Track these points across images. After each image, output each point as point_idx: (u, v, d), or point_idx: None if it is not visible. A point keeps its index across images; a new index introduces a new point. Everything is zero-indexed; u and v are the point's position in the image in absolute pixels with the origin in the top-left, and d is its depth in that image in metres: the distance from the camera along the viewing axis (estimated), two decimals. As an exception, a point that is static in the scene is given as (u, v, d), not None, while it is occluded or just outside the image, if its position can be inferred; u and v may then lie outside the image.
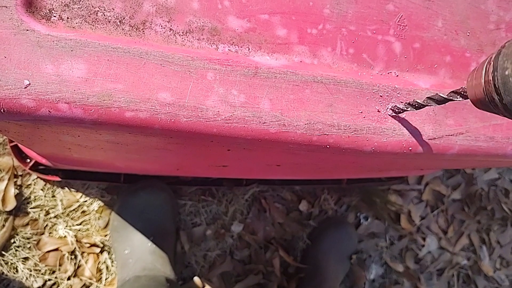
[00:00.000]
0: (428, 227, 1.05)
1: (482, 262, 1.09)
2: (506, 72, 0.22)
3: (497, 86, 0.23)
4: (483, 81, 0.24)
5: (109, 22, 0.28)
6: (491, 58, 0.24)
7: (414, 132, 0.36)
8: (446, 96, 0.29)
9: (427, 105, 0.31)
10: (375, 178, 0.95)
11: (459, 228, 1.09)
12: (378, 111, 0.35)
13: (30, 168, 0.73)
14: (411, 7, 0.37)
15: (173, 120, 0.28)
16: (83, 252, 0.77)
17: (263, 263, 0.87)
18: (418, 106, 0.32)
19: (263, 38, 0.32)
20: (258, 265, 0.86)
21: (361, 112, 0.34)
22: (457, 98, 0.28)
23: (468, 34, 0.40)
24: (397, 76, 0.37)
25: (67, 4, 0.27)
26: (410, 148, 0.36)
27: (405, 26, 0.37)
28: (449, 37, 0.39)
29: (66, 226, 0.77)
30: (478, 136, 0.39)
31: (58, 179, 0.74)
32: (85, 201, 0.78)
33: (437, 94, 0.30)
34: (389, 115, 0.35)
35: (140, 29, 0.28)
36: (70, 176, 0.74)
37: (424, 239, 1.04)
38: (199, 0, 0.30)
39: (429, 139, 0.36)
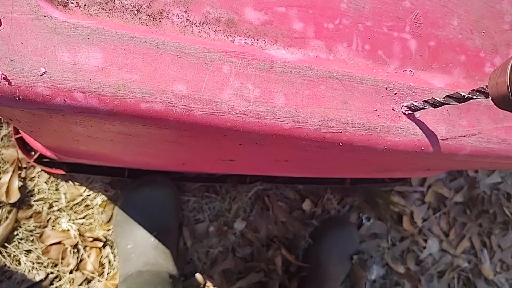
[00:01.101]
0: (430, 229, 1.05)
1: (483, 266, 1.09)
2: None
3: None
4: (508, 77, 0.24)
5: (126, 10, 0.27)
6: None
7: (428, 132, 0.36)
8: (467, 94, 0.29)
9: (446, 104, 0.31)
10: (378, 179, 0.95)
11: (460, 231, 1.08)
12: (393, 109, 0.35)
13: (35, 161, 0.72)
14: (427, 5, 0.37)
15: (187, 113, 0.27)
16: (85, 246, 0.76)
17: (265, 261, 0.86)
18: (436, 105, 0.32)
19: (280, 31, 0.32)
20: (260, 263, 0.86)
21: (376, 110, 0.34)
22: (478, 96, 0.28)
23: (483, 33, 0.40)
24: (412, 74, 0.37)
25: (83, -8, 0.27)
26: (422, 148, 0.35)
27: (421, 24, 0.37)
28: (464, 36, 0.39)
29: (69, 220, 0.76)
30: (490, 137, 0.39)
31: (62, 172, 0.74)
32: (89, 195, 0.77)
33: (456, 92, 0.29)
34: (404, 113, 0.35)
35: (157, 19, 0.28)
36: (74, 170, 0.74)
37: (425, 241, 1.04)
38: (216, -9, 0.30)
39: (442, 139, 0.36)
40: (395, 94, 0.35)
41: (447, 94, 0.31)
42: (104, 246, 0.77)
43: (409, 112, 0.35)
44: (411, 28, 0.36)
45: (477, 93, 0.28)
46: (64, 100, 0.25)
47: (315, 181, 0.90)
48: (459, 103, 0.30)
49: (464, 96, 0.29)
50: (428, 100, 0.32)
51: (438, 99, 0.31)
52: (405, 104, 0.35)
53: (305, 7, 0.32)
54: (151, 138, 0.34)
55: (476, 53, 0.40)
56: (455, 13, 0.38)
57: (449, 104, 0.30)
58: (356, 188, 0.96)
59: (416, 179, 1.04)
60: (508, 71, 0.24)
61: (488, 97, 0.27)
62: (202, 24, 0.29)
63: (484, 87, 0.27)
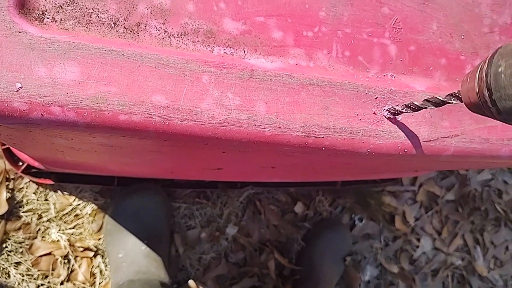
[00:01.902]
0: (422, 228, 1.06)
1: (476, 263, 1.10)
2: (499, 69, 0.22)
3: (489, 82, 0.23)
4: (477, 80, 0.24)
5: (103, 24, 0.27)
6: (487, 58, 0.24)
7: (410, 134, 0.36)
8: (443, 99, 0.29)
9: (424, 107, 0.31)
10: (369, 180, 0.95)
11: (453, 229, 1.09)
12: (374, 113, 0.35)
13: (23, 171, 0.72)
14: (406, 10, 0.37)
15: (167, 123, 0.27)
16: (76, 256, 0.76)
17: (258, 265, 0.86)
18: (415, 108, 0.32)
19: (259, 40, 0.32)
20: (253, 268, 0.86)
21: (357, 115, 0.34)
22: (453, 100, 0.28)
23: (462, 37, 0.40)
24: (393, 78, 0.37)
25: (60, 6, 0.27)
26: (405, 150, 0.36)
27: (400, 29, 0.37)
28: (444, 40, 0.39)
29: (59, 230, 0.76)
30: (473, 138, 0.39)
31: (51, 182, 0.73)
32: (78, 204, 0.77)
33: (434, 96, 0.30)
34: (386, 117, 0.35)
35: (134, 31, 0.28)
36: (63, 179, 0.74)
37: (418, 240, 1.04)
38: (194, 2, 0.30)
39: (424, 141, 0.36)
40: (376, 98, 0.35)
41: (428, 97, 0.32)
42: (95, 255, 0.77)
43: (391, 115, 0.35)
44: (391, 34, 0.37)
45: (452, 97, 0.28)
46: (41, 114, 0.25)
47: (306, 184, 0.90)
48: (436, 107, 0.30)
49: (440, 100, 0.29)
50: (408, 104, 0.32)
51: (416, 103, 0.32)
52: (386, 108, 0.35)
53: (283, 16, 0.32)
54: (134, 149, 0.34)
55: (456, 56, 0.40)
56: (434, 18, 0.39)
57: (427, 108, 0.31)
58: (347, 190, 0.97)
59: (407, 178, 1.05)
60: (477, 77, 0.24)
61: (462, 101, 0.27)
62: (181, 35, 0.29)
63: (459, 91, 0.27)
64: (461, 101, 0.28)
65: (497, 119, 0.24)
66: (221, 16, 0.30)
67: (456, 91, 0.28)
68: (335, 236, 0.89)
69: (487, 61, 0.24)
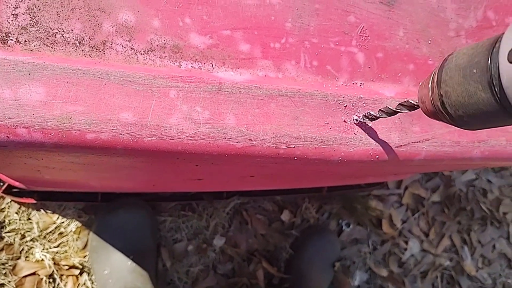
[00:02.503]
0: (409, 231, 1.06)
1: (465, 262, 1.11)
2: (448, 79, 0.23)
3: (440, 92, 0.24)
4: (429, 88, 0.25)
5: (68, 43, 0.28)
6: (437, 66, 0.25)
7: (381, 140, 0.37)
8: (394, 109, 0.30)
9: (399, 112, 0.32)
10: (354, 185, 0.96)
11: (440, 230, 1.10)
12: (344, 121, 0.36)
13: (3, 192, 0.71)
14: (372, 18, 0.38)
15: (136, 140, 0.28)
16: (61, 275, 0.75)
17: (246, 275, 0.86)
18: (390, 113, 0.33)
19: (226, 53, 0.32)
20: (242, 278, 0.85)
21: (327, 123, 0.35)
22: (404, 110, 0.29)
23: (429, 42, 0.41)
24: (362, 86, 0.38)
25: (24, 27, 0.27)
26: (377, 156, 0.36)
27: (367, 37, 0.38)
28: (411, 45, 0.40)
29: (43, 249, 0.75)
30: (444, 141, 0.40)
31: (33, 201, 0.72)
32: (62, 222, 0.76)
33: (407, 100, 0.30)
34: (356, 124, 0.36)
35: (100, 50, 0.28)
36: (46, 198, 0.73)
37: (406, 242, 1.05)
38: (159, 18, 0.30)
39: (395, 147, 0.37)
40: (345, 106, 0.36)
41: (398, 102, 0.32)
42: (81, 273, 0.76)
43: (368, 121, 0.35)
44: (358, 42, 0.37)
45: (403, 107, 0.29)
46: (7, 136, 0.25)
47: (292, 191, 0.90)
48: (410, 110, 0.30)
49: (414, 104, 0.29)
50: (366, 114, 0.33)
51: (372, 113, 0.32)
52: (355, 116, 0.36)
53: (250, 28, 0.33)
54: (107, 166, 0.34)
55: (424, 61, 0.41)
56: (401, 24, 0.39)
57: (402, 111, 0.31)
58: (333, 196, 0.97)
59: (392, 182, 1.06)
60: (430, 84, 0.25)
61: (413, 110, 0.28)
62: (147, 51, 0.30)
63: (407, 101, 0.28)
64: (410, 110, 0.28)
65: (452, 125, 0.25)
66: (187, 31, 0.31)
67: (405, 101, 0.28)
68: (323, 243, 0.89)
69: (436, 71, 0.25)
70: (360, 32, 0.38)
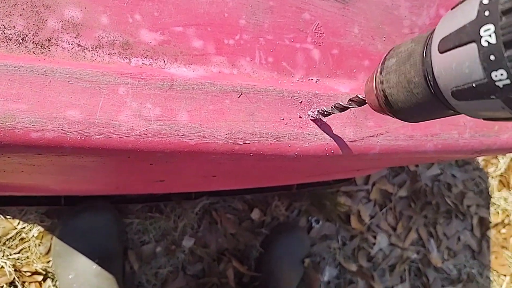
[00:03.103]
0: (378, 225, 1.08)
1: (431, 255, 1.14)
2: (389, 74, 0.24)
3: (382, 87, 0.24)
4: (374, 84, 0.25)
5: (10, 40, 0.27)
6: (380, 61, 0.26)
7: (335, 135, 0.37)
8: (344, 104, 0.30)
9: (349, 107, 0.32)
10: (323, 182, 0.97)
11: (407, 224, 1.13)
12: (300, 117, 0.36)
13: (-40, 197, 0.68)
14: (327, 15, 0.39)
15: (83, 138, 0.27)
16: (24, 282, 0.73)
17: (217, 275, 0.86)
18: (342, 109, 0.33)
19: (179, 50, 0.32)
20: (212, 278, 0.85)
21: (283, 119, 0.35)
22: (354, 105, 0.30)
23: (384, 39, 0.42)
24: (318, 82, 0.38)
25: (-37, 24, 0.26)
26: (332, 151, 0.37)
27: (322, 34, 0.38)
28: (366, 42, 0.41)
29: (3, 256, 0.72)
30: (397, 135, 0.41)
31: (-8, 206, 0.70)
32: (24, 227, 0.74)
33: (357, 96, 0.31)
34: (312, 119, 0.36)
35: (45, 46, 0.28)
36: (5, 203, 0.71)
37: (374, 237, 1.07)
38: (108, 15, 0.30)
39: (350, 141, 0.38)
40: (301, 102, 0.36)
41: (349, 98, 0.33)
42: (44, 279, 0.74)
43: (321, 117, 0.36)
44: (313, 39, 0.38)
45: (353, 102, 0.29)
46: None
47: (262, 190, 0.91)
48: (359, 106, 0.31)
49: (362, 99, 0.30)
50: (320, 110, 0.33)
51: (325, 108, 0.33)
52: (310, 111, 0.36)
53: (203, 25, 0.33)
54: (57, 166, 0.34)
55: (379, 58, 0.42)
56: (355, 21, 0.40)
57: (352, 107, 0.32)
58: (303, 193, 0.98)
59: (360, 178, 1.08)
60: (374, 79, 0.25)
61: (362, 105, 0.29)
62: (95, 48, 0.29)
63: (357, 96, 0.29)
64: (359, 106, 0.29)
65: (395, 118, 0.26)
66: (137, 28, 0.30)
67: (355, 96, 0.29)
68: (292, 240, 0.90)
69: (379, 66, 0.25)
70: (315, 29, 0.38)
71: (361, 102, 0.31)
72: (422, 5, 0.44)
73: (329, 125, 0.37)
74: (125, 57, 0.30)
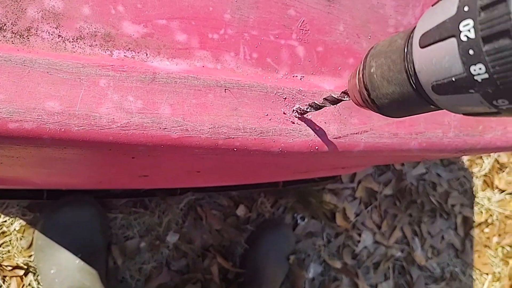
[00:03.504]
0: (363, 223, 1.09)
1: (415, 253, 1.15)
2: (372, 70, 0.24)
3: (365, 82, 0.25)
4: (356, 80, 0.26)
5: (-12, 29, 0.26)
6: (362, 59, 0.26)
7: (319, 132, 0.37)
8: (338, 97, 0.30)
9: (324, 106, 0.32)
10: (309, 179, 0.97)
11: (392, 222, 1.14)
12: (284, 113, 0.36)
13: None
14: (312, 12, 0.39)
15: (63, 130, 0.27)
16: (4, 276, 0.72)
17: (201, 271, 0.86)
18: (317, 107, 0.33)
19: (162, 43, 0.32)
20: (196, 274, 0.85)
21: (267, 115, 0.35)
22: (346, 98, 0.30)
23: (369, 37, 0.42)
24: (302, 79, 0.38)
25: None
26: (316, 148, 0.37)
27: (308, 31, 0.38)
28: (351, 40, 0.41)
29: (-16, 250, 0.71)
30: (382, 133, 0.41)
31: (-28, 199, 0.69)
32: (5, 221, 0.73)
33: (330, 95, 0.31)
34: (295, 116, 0.36)
35: (24, 36, 0.27)
36: (-14, 196, 0.70)
37: (359, 235, 1.08)
38: (90, 5, 0.29)
39: (334, 138, 0.38)
40: (285, 98, 0.36)
41: (337, 96, 0.33)
42: (25, 274, 0.73)
43: (299, 115, 0.36)
44: (298, 35, 0.38)
45: (346, 95, 0.29)
46: None
47: (248, 186, 0.91)
48: (333, 104, 0.31)
49: (335, 98, 0.30)
50: (311, 104, 0.33)
51: (317, 102, 0.33)
52: (295, 108, 0.36)
53: (187, 18, 0.33)
54: (37, 158, 0.33)
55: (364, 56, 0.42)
56: (341, 19, 0.40)
57: (326, 106, 0.32)
58: (288, 190, 0.98)
59: (346, 176, 1.08)
60: (357, 77, 0.25)
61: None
62: (76, 39, 0.29)
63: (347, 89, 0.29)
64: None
65: (379, 113, 0.26)
66: (120, 19, 0.30)
67: (347, 89, 0.29)
68: (277, 236, 0.90)
69: (362, 62, 0.26)
70: (300, 25, 0.38)
71: (334, 101, 0.32)
72: (408, 5, 0.44)
73: (313, 122, 0.37)
74: (107, 49, 0.30)
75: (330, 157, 0.41)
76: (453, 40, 0.18)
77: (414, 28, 0.22)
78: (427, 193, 1.20)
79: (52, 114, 0.26)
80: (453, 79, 0.18)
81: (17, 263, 0.72)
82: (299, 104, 0.36)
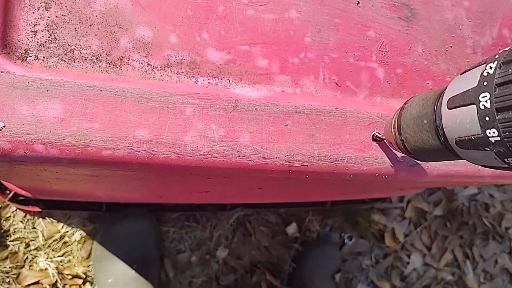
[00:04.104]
0: (412, 244, 1.06)
1: (467, 277, 1.10)
2: (406, 121, 0.28)
3: (401, 133, 0.28)
4: (393, 134, 0.29)
5: (86, 60, 0.27)
6: (395, 114, 0.30)
7: (395, 159, 0.36)
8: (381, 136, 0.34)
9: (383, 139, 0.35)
10: (358, 200, 0.95)
11: (442, 244, 1.09)
12: (361, 139, 0.35)
13: (10, 200, 0.70)
14: (391, 33, 0.38)
15: (151, 157, 0.27)
16: (65, 285, 0.74)
17: (249, 287, 0.85)
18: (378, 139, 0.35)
19: (244, 69, 0.32)
20: (245, 290, 0.85)
21: (343, 142, 0.34)
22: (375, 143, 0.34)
23: (447, 58, 0.41)
24: (381, 102, 0.37)
25: (43, 44, 0.27)
26: (386, 176, 0.36)
27: (387, 52, 0.38)
28: (430, 62, 0.40)
29: (47, 258, 0.74)
30: (457, 161, 0.39)
31: (39, 209, 0.72)
32: (67, 231, 0.75)
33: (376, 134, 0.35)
34: (373, 141, 0.36)
35: (117, 66, 0.28)
36: (51, 206, 0.72)
37: (408, 256, 1.04)
38: (177, 33, 0.30)
39: (409, 166, 0.36)
40: (364, 123, 0.35)
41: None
42: (84, 283, 0.75)
43: (377, 141, 0.35)
44: (378, 57, 0.37)
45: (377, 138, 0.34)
46: (24, 152, 0.25)
47: (295, 204, 0.90)
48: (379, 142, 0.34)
49: (379, 137, 0.34)
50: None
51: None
52: (373, 134, 0.35)
53: (268, 43, 0.33)
54: (119, 178, 0.34)
55: (442, 78, 0.41)
56: (419, 40, 0.39)
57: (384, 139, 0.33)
58: (336, 209, 0.97)
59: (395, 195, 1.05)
60: (392, 129, 0.29)
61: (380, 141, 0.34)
62: (164, 67, 0.29)
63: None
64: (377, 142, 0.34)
65: (409, 155, 0.29)
66: (204, 47, 0.31)
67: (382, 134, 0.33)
68: (324, 255, 0.89)
69: (396, 116, 0.29)
70: (380, 47, 0.37)
71: (378, 140, 0.35)
72: (485, 25, 0.43)
73: (391, 149, 0.36)
74: (192, 76, 0.30)
75: (399, 182, 0.40)
76: (473, 107, 0.21)
77: (444, 90, 0.25)
78: (480, 214, 1.15)
79: (141, 142, 0.27)
80: (473, 137, 0.22)
81: (76, 272, 0.74)
82: (376, 131, 0.35)
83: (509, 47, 0.21)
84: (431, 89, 0.39)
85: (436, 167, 0.39)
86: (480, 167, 0.42)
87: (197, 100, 0.29)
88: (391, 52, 0.37)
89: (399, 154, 0.37)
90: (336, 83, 0.35)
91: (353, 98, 0.36)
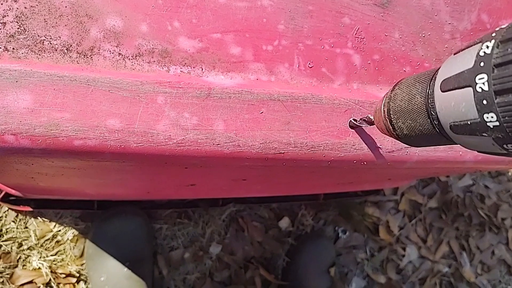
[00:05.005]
0: (407, 237, 1.06)
1: (464, 269, 1.10)
2: (396, 103, 0.26)
3: (390, 114, 0.27)
4: (382, 115, 0.28)
5: (56, 50, 0.27)
6: (386, 94, 0.28)
7: (374, 146, 0.36)
8: (356, 123, 0.33)
9: (361, 126, 0.34)
10: (351, 192, 0.95)
11: (438, 236, 1.09)
12: (338, 125, 0.35)
13: (1, 200, 0.70)
14: (367, 20, 0.38)
15: (123, 146, 0.27)
16: (58, 283, 0.74)
17: (244, 283, 0.85)
18: (370, 122, 0.33)
19: (217, 57, 0.32)
20: (239, 286, 0.85)
21: (320, 128, 0.34)
22: (365, 124, 0.32)
23: (425, 44, 0.41)
24: (358, 88, 0.37)
25: (12, 35, 0.27)
26: (365, 162, 0.36)
27: (363, 39, 0.38)
28: (407, 48, 0.40)
29: (40, 257, 0.74)
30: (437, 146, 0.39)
31: (30, 209, 0.72)
32: (59, 230, 0.76)
33: (367, 116, 0.32)
34: (351, 128, 0.36)
35: (88, 56, 0.28)
36: (42, 205, 0.73)
37: (404, 249, 1.04)
38: (147, 23, 0.30)
39: (387, 152, 0.37)
40: (341, 110, 0.35)
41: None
42: (77, 281, 0.75)
43: (357, 127, 0.35)
44: (353, 43, 0.37)
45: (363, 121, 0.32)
46: (-7, 143, 0.25)
47: (288, 199, 0.90)
48: (370, 125, 0.32)
49: (372, 120, 0.31)
50: (365, 118, 0.33)
51: (370, 116, 0.33)
52: (350, 120, 0.35)
53: (241, 31, 0.33)
54: (96, 170, 0.34)
55: (421, 63, 0.41)
56: (396, 26, 0.39)
57: (362, 126, 0.32)
58: (329, 203, 0.97)
59: (389, 188, 1.05)
60: (382, 109, 0.28)
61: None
62: (135, 56, 0.29)
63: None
64: (370, 125, 0.32)
65: (400, 142, 0.28)
66: (176, 35, 0.31)
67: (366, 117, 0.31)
68: (317, 248, 0.89)
69: (387, 95, 0.28)
70: (356, 33, 0.37)
71: (371, 123, 0.33)
72: (463, 10, 0.43)
73: (369, 135, 0.36)
74: (164, 65, 0.30)
75: (379, 169, 0.40)
76: (469, 90, 0.20)
77: (437, 70, 0.24)
78: (475, 205, 1.15)
79: (113, 132, 0.27)
80: (469, 122, 0.21)
81: (70, 271, 0.75)
82: (353, 118, 0.35)
83: (506, 25, 0.20)
84: (409, 74, 0.39)
85: (416, 153, 0.39)
86: (460, 152, 0.42)
87: (169, 88, 0.29)
88: (367, 39, 0.37)
89: (377, 141, 0.37)
90: (311, 70, 0.35)
91: (329, 85, 0.36)
